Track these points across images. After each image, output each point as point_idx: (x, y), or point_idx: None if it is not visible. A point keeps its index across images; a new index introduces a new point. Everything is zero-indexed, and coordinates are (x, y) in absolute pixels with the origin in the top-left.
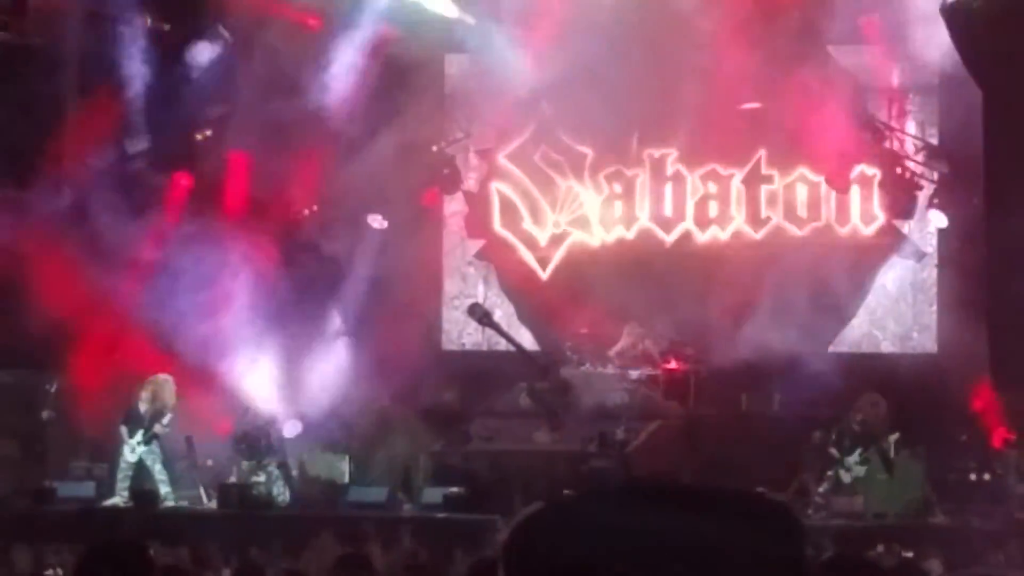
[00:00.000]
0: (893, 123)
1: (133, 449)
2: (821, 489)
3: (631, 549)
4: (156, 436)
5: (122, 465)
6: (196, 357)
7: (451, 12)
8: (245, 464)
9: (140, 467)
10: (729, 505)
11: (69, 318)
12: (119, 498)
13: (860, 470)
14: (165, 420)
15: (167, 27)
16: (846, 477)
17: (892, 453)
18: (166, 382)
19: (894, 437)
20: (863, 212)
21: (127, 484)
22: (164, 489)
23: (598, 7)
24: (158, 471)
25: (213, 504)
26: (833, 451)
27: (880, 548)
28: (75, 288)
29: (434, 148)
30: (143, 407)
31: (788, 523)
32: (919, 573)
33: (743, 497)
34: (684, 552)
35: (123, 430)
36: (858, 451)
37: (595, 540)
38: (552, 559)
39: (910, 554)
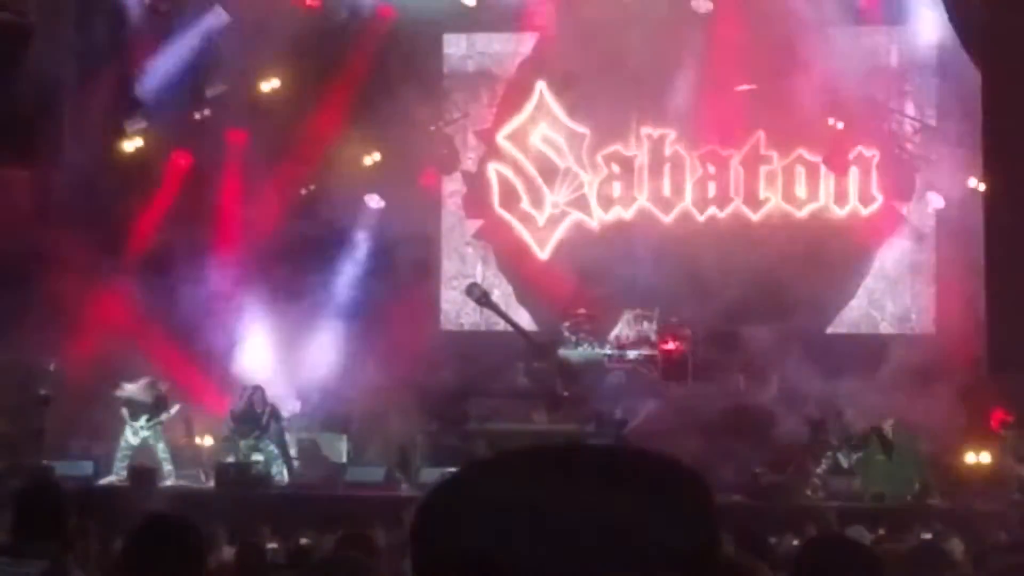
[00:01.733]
0: (891, 104)
1: (136, 432)
2: (819, 470)
3: (531, 530)
4: (160, 422)
5: (123, 445)
6: (194, 335)
7: None
8: (243, 443)
9: (143, 445)
10: (640, 477)
11: (69, 297)
12: (115, 476)
13: (857, 452)
14: (173, 410)
15: (165, 7)
16: (844, 461)
17: (890, 435)
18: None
19: (890, 423)
20: (861, 193)
21: (125, 463)
22: (167, 467)
23: None
24: (160, 449)
25: (211, 483)
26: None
27: (881, 531)
28: (75, 266)
29: (432, 128)
30: (144, 394)
31: (701, 500)
32: (940, 554)
33: (654, 467)
34: (585, 533)
35: (124, 412)
36: (854, 439)
37: (496, 523)
38: (453, 543)
39: (929, 535)
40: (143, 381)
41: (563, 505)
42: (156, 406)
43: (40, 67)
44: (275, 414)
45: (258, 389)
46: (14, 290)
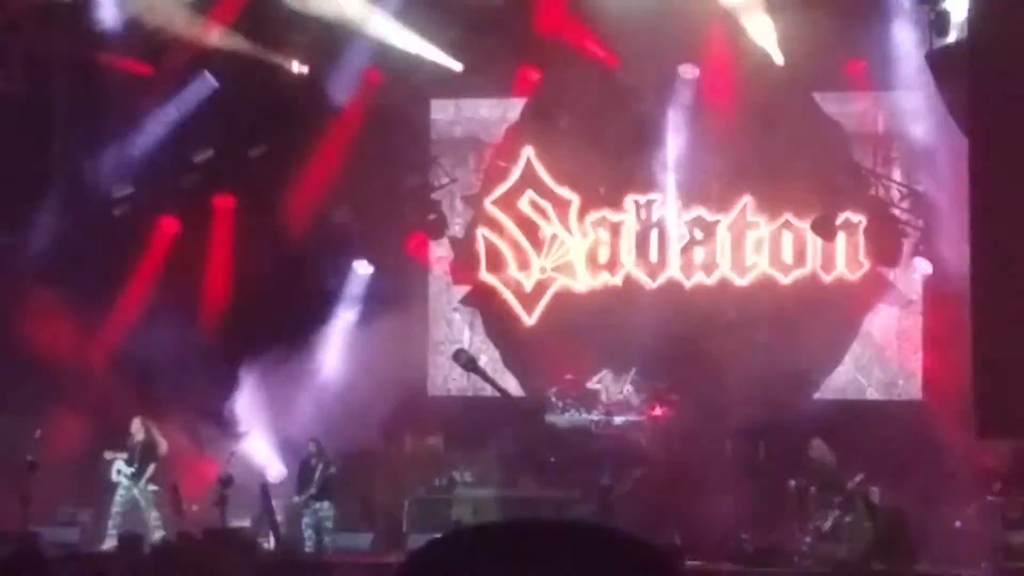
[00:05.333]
0: (878, 170)
1: (119, 471)
2: (807, 538)
3: None
4: (145, 475)
5: (113, 509)
6: (181, 402)
7: (438, 58)
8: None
9: (134, 507)
10: (609, 553)
11: (55, 362)
12: (106, 544)
13: (841, 516)
14: (150, 470)
15: (152, 73)
16: (827, 523)
17: (876, 500)
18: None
19: (859, 478)
20: (848, 259)
21: (115, 527)
22: (159, 533)
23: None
24: (153, 517)
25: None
26: (813, 490)
27: None
28: (62, 332)
29: (420, 193)
30: (137, 437)
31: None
32: None
33: (624, 544)
34: None
35: (110, 458)
36: (838, 499)
37: None
38: None
39: None
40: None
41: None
42: (144, 452)
43: (26, 133)
44: (262, 480)
45: (246, 454)
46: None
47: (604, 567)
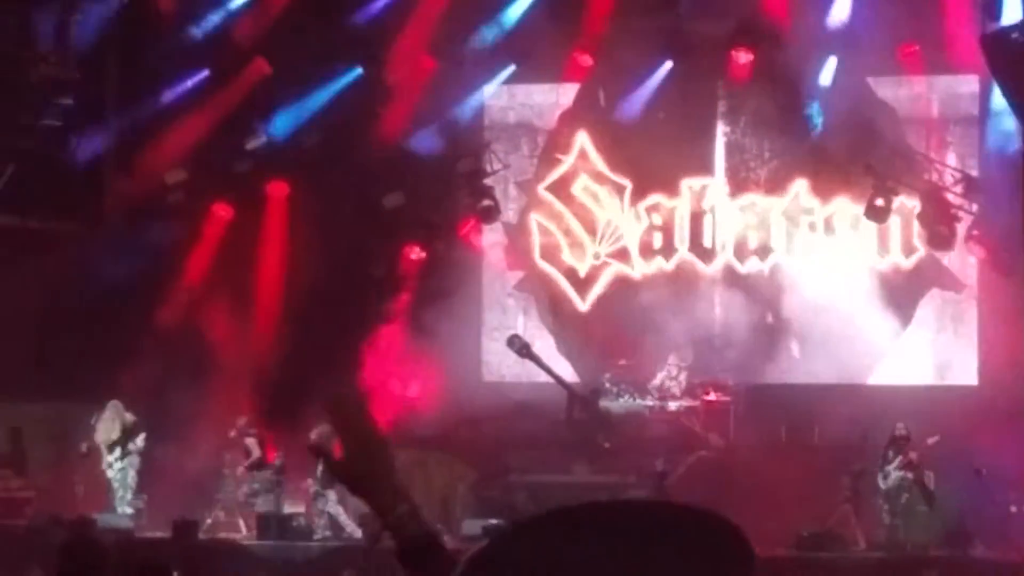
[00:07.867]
0: (932, 154)
1: (111, 465)
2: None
3: None
4: (130, 452)
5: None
6: (234, 387)
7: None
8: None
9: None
10: (680, 529)
11: (112, 348)
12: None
13: (897, 476)
14: (139, 439)
15: (206, 63)
16: (883, 483)
17: (932, 484)
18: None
19: (934, 439)
20: (903, 243)
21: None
22: (127, 496)
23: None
24: (127, 498)
25: (252, 533)
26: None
27: None
28: (118, 318)
29: (473, 179)
30: (116, 424)
31: (740, 550)
32: None
33: (694, 518)
34: None
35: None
36: (899, 459)
37: None
38: None
39: None
40: (108, 411)
41: (600, 563)
42: (125, 436)
43: (83, 121)
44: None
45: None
46: (58, 342)
47: (680, 543)
